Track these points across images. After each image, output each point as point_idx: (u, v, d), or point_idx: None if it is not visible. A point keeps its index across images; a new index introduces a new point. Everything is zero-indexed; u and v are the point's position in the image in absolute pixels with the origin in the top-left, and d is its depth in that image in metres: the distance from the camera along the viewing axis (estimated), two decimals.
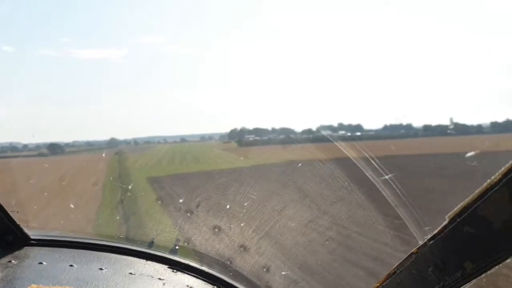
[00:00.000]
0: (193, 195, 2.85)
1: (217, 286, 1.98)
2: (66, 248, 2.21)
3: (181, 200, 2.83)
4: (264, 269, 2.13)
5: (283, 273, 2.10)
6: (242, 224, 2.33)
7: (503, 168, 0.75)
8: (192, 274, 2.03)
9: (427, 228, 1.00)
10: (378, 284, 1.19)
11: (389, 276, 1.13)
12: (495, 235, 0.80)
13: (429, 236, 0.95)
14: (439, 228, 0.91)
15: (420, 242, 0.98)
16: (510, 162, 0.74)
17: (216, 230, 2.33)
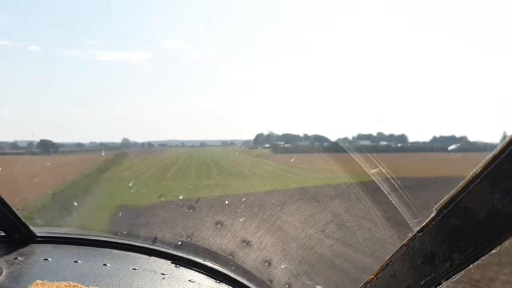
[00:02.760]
0: None
1: (219, 280, 2.01)
2: (71, 245, 2.26)
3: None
4: (266, 263, 2.13)
5: (282, 266, 2.11)
6: None
7: (484, 161, 0.77)
8: (195, 268, 2.06)
9: (416, 220, 1.01)
10: (372, 276, 1.21)
11: (383, 268, 1.15)
12: (479, 226, 0.82)
13: (418, 228, 0.96)
14: (427, 220, 0.93)
15: (409, 234, 1.00)
16: (490, 154, 0.75)
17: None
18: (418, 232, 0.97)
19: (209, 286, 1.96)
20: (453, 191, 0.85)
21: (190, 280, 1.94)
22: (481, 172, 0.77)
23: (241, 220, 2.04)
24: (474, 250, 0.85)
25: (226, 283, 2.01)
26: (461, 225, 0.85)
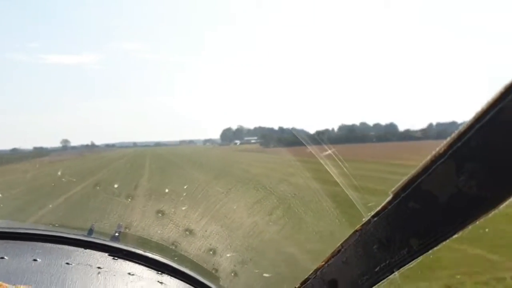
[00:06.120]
0: None
1: (161, 271, 1.89)
2: None
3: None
4: (211, 252, 2.04)
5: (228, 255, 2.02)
6: None
7: (448, 139, 0.69)
8: (134, 260, 1.92)
9: (370, 204, 0.94)
10: (323, 263, 1.14)
11: (334, 254, 1.08)
12: (441, 210, 0.75)
13: (372, 213, 0.89)
14: (383, 204, 0.86)
15: (363, 219, 0.93)
16: (456, 132, 0.68)
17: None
18: (372, 217, 0.90)
19: (150, 278, 1.84)
20: (412, 173, 0.78)
21: (129, 273, 1.81)
22: (445, 152, 0.70)
23: None
24: (434, 235, 0.79)
25: (169, 274, 1.90)
26: (420, 209, 0.79)
